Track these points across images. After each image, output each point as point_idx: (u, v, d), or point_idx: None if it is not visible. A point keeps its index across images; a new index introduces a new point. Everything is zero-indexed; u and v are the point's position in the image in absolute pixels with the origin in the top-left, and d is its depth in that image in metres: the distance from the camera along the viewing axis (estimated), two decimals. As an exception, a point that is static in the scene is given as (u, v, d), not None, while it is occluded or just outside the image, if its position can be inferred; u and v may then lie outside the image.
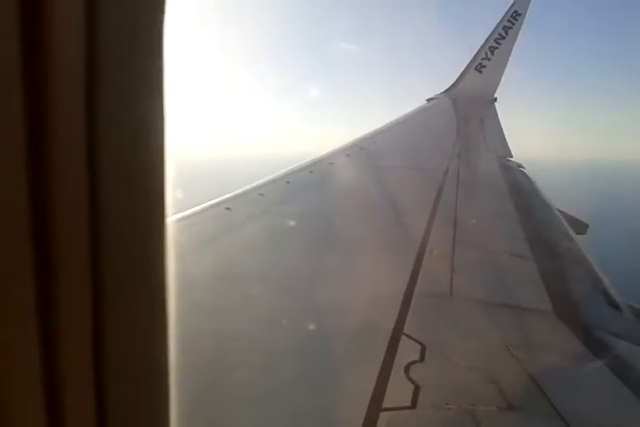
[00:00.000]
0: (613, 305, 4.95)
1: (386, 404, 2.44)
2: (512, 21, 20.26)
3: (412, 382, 2.66)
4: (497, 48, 20.36)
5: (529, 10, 20.45)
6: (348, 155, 9.75)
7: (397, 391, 2.56)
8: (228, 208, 5.52)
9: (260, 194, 6.34)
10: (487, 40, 20.55)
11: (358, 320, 3.34)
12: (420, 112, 17.18)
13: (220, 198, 5.91)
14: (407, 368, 2.79)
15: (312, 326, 3.27)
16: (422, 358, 2.94)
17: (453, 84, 20.51)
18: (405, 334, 3.18)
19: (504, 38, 20.36)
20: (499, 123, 18.44)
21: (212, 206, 5.63)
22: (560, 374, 3.14)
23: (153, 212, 0.74)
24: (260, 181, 7.01)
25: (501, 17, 20.46)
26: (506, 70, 20.83)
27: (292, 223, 5.63)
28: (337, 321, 3.40)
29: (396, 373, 2.73)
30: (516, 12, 20.23)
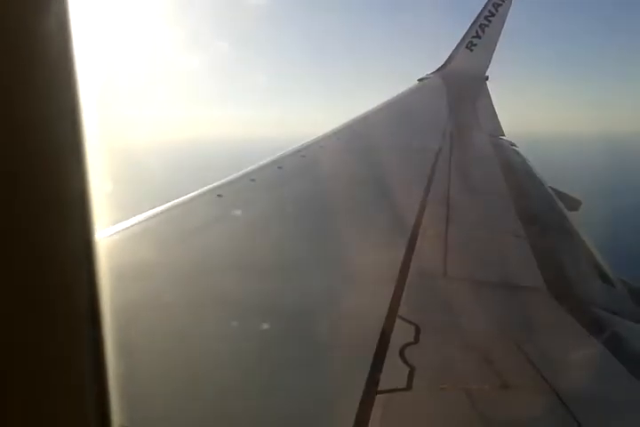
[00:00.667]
0: (607, 281, 4.98)
1: (381, 386, 2.45)
2: (501, -1, 20.10)
3: (407, 363, 2.67)
4: (487, 26, 20.20)
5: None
6: (339, 138, 9.71)
7: (393, 373, 2.57)
8: (219, 195, 5.49)
9: (252, 180, 6.31)
10: (477, 18, 20.39)
11: (352, 302, 3.34)
12: (411, 92, 17.09)
13: (211, 186, 5.86)
14: (402, 350, 2.79)
15: (303, 308, 3.29)
16: (417, 339, 2.95)
17: (444, 63, 20.37)
18: (400, 316, 3.18)
19: (494, 15, 20.20)
20: (490, 101, 18.36)
21: (203, 194, 5.59)
22: (554, 351, 3.15)
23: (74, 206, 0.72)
24: (251, 167, 6.96)
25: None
26: (497, 47, 20.71)
27: (285, 208, 5.61)
28: (330, 303, 3.41)
29: (391, 355, 2.74)
30: (506, -12, 20.06)
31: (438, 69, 20.20)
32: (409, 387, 2.48)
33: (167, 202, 5.25)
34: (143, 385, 2.25)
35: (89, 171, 0.74)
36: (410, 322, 3.12)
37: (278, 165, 7.15)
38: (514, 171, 9.48)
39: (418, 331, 3.03)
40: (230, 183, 6.17)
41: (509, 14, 20.33)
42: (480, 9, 20.50)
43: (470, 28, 20.43)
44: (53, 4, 0.67)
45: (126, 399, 0.90)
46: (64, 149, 0.71)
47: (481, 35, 20.18)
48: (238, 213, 5.18)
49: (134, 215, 4.74)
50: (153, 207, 5.03)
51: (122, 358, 0.91)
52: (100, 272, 0.78)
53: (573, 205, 9.30)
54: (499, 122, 15.75)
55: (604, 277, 5.02)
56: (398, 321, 3.12)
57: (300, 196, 6.14)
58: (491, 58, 20.58)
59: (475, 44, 20.19)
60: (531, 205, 7.33)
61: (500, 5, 20.07)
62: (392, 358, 2.71)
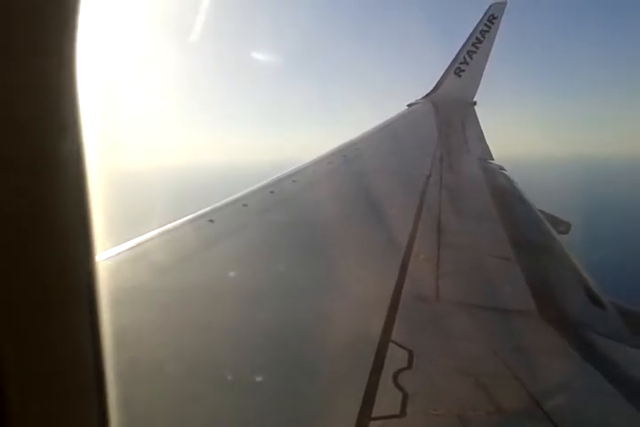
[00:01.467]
0: (597, 303, 5.01)
1: (375, 413, 2.44)
2: (489, 25, 20.53)
3: (401, 389, 2.67)
4: (475, 52, 20.60)
5: (505, 13, 20.75)
6: (329, 163, 9.78)
7: (386, 400, 2.56)
8: (211, 220, 5.50)
9: (244, 204, 6.33)
10: (465, 44, 20.80)
11: (345, 327, 3.34)
12: (401, 117, 17.29)
13: (203, 210, 5.87)
14: (395, 376, 2.79)
15: (295, 334, 3.28)
16: (410, 364, 2.95)
17: (433, 88, 20.71)
18: (393, 341, 3.18)
19: (481, 42, 20.61)
20: (479, 126, 18.61)
21: (195, 219, 5.59)
22: (547, 374, 3.16)
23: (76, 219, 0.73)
24: (243, 192, 6.98)
25: (478, 21, 20.73)
26: (484, 73, 21.08)
27: (277, 234, 5.63)
28: (323, 328, 3.40)
29: (385, 380, 2.73)
30: (492, 15, 20.51)
31: (427, 95, 20.52)
32: (403, 413, 2.47)
33: (160, 226, 5.25)
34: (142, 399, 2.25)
35: (90, 193, 0.75)
36: (403, 347, 3.12)
37: (270, 189, 7.19)
38: (503, 195, 9.57)
39: (411, 356, 3.02)
40: (222, 208, 6.18)
41: (496, 40, 20.78)
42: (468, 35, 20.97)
43: (458, 54, 20.85)
44: (59, 22, 0.69)
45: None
46: (66, 167, 0.72)
47: (469, 61, 20.57)
48: (230, 238, 5.19)
49: (126, 239, 4.74)
50: (144, 231, 5.03)
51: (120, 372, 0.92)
52: (100, 292, 0.79)
53: (563, 228, 9.37)
54: (487, 146, 15.94)
55: (594, 300, 5.04)
56: (391, 346, 3.12)
57: (292, 221, 6.16)
58: (478, 83, 20.95)
59: (463, 70, 20.58)
60: (520, 228, 7.39)
61: (487, 32, 20.51)
62: (385, 383, 2.70)
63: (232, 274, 4.35)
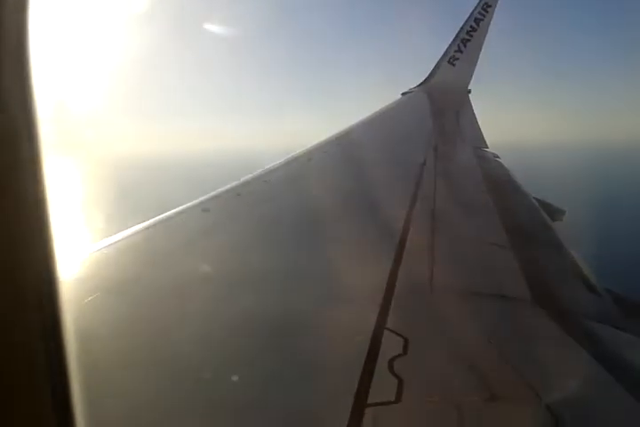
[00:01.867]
0: (592, 291, 5.02)
1: (370, 399, 2.44)
2: (483, 13, 20.43)
3: (396, 376, 2.66)
4: (469, 40, 20.52)
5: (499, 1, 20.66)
6: (325, 151, 9.75)
7: (382, 386, 2.56)
8: (205, 210, 5.47)
9: (238, 194, 6.30)
10: (459, 32, 20.70)
11: (340, 317, 3.33)
12: (395, 106, 17.25)
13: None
14: (391, 362, 2.78)
15: (291, 321, 3.27)
16: (405, 351, 2.94)
17: (427, 77, 20.64)
18: (388, 329, 3.17)
19: (475, 30, 20.52)
20: (473, 114, 18.60)
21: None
22: (542, 361, 3.15)
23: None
24: (237, 181, 6.94)
25: (472, 9, 20.63)
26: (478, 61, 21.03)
27: (272, 223, 5.60)
28: (318, 316, 3.39)
29: (380, 367, 2.72)
30: (486, 3, 20.41)
31: (422, 83, 20.45)
32: (398, 400, 2.47)
33: (155, 215, 5.21)
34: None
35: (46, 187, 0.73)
36: (398, 334, 3.11)
37: (264, 179, 7.15)
38: (498, 182, 9.57)
39: (406, 343, 3.02)
40: (216, 197, 6.15)
41: (490, 28, 20.70)
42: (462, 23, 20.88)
43: (452, 42, 20.75)
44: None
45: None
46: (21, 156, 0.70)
47: (462, 49, 20.49)
48: (224, 227, 5.16)
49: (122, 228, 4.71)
50: (141, 221, 4.99)
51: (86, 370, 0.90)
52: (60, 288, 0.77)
53: (557, 215, 9.39)
54: (482, 134, 15.93)
55: (589, 287, 5.05)
56: (386, 333, 3.11)
57: (287, 210, 6.14)
58: (473, 71, 20.89)
59: (457, 59, 20.50)
60: (515, 216, 7.39)
61: (481, 20, 20.42)
62: (381, 370, 2.70)
63: (226, 264, 4.33)
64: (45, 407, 0.76)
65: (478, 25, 20.47)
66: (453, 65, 20.57)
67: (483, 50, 20.79)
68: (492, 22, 20.54)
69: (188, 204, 5.76)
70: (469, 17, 20.53)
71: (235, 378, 2.60)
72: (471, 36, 20.48)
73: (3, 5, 0.66)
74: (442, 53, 20.91)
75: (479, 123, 17.55)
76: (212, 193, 6.30)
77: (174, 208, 5.56)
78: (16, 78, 0.68)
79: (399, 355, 2.88)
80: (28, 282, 0.73)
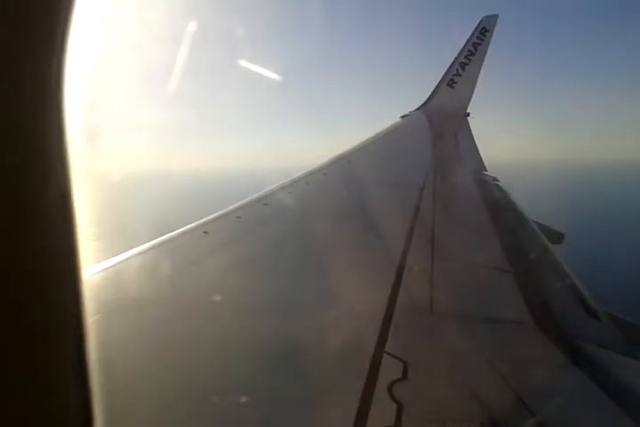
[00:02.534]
0: (592, 314, 5.00)
1: (370, 424, 2.42)
2: (481, 37, 20.77)
3: (396, 400, 2.65)
4: (467, 64, 20.82)
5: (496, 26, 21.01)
6: (325, 174, 9.79)
7: (381, 411, 2.54)
8: (205, 232, 5.47)
9: (238, 217, 6.31)
10: (458, 56, 21.01)
11: (339, 339, 3.32)
12: (393, 129, 17.37)
13: (197, 222, 5.80)
14: (390, 387, 2.77)
15: (290, 345, 3.26)
16: (405, 376, 2.93)
17: (426, 100, 20.86)
18: (387, 352, 3.17)
19: (474, 54, 20.84)
20: (472, 137, 18.74)
21: (189, 231, 5.52)
22: (543, 386, 3.14)
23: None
24: (237, 204, 6.96)
25: (470, 33, 20.98)
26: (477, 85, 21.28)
27: (271, 247, 5.60)
28: (317, 340, 3.38)
29: (379, 392, 2.71)
30: (484, 28, 20.76)
31: (421, 106, 20.66)
32: (397, 425, 2.46)
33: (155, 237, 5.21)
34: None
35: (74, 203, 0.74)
36: (398, 358, 3.10)
37: (264, 202, 7.17)
38: (497, 206, 9.60)
39: (406, 367, 3.01)
40: (216, 220, 6.16)
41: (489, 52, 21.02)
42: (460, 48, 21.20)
43: (451, 66, 21.05)
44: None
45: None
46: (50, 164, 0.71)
47: (461, 73, 20.77)
48: (224, 250, 5.16)
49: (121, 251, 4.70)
50: (140, 243, 4.98)
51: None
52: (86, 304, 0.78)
53: (556, 238, 9.40)
54: (480, 157, 16.03)
55: (589, 311, 5.04)
56: (386, 357, 3.10)
57: (286, 233, 6.15)
58: (471, 95, 21.14)
59: (455, 82, 20.77)
60: (515, 239, 7.40)
61: (479, 45, 20.75)
62: (380, 395, 2.68)
63: (225, 287, 4.33)
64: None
65: (476, 49, 20.81)
66: (452, 88, 20.84)
67: (482, 72, 21.10)
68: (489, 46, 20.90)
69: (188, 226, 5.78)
70: (467, 41, 20.88)
71: (234, 401, 2.59)
72: (469, 59, 20.80)
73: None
74: (441, 76, 21.24)
75: (477, 145, 17.68)
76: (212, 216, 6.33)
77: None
78: (50, 79, 0.69)
79: (399, 379, 2.87)
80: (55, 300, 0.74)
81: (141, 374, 2.78)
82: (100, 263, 4.23)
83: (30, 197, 0.69)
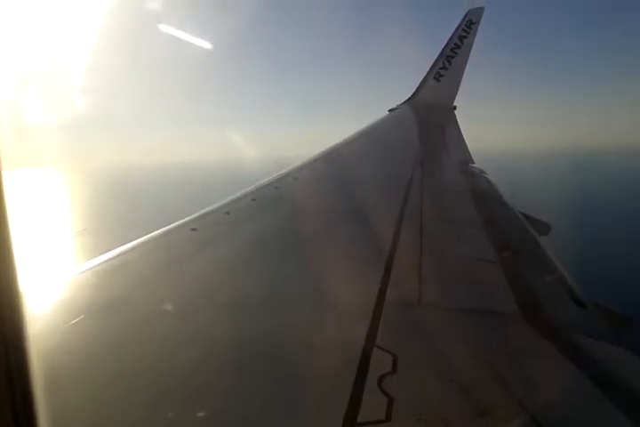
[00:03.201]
0: (579, 304, 5.05)
1: (360, 418, 2.44)
2: (467, 30, 20.79)
3: (386, 394, 2.66)
4: (454, 57, 20.83)
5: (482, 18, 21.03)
6: (312, 169, 9.80)
7: (371, 404, 2.56)
8: (193, 229, 5.47)
9: (226, 213, 6.31)
10: (444, 49, 21.02)
11: (329, 333, 3.33)
12: (381, 123, 17.39)
13: (185, 220, 5.83)
14: (380, 380, 2.78)
15: (280, 340, 3.27)
16: (395, 369, 2.94)
17: (413, 93, 20.88)
18: (377, 346, 3.18)
19: (460, 47, 20.86)
20: (459, 130, 18.79)
21: (177, 228, 5.55)
22: (531, 377, 3.17)
23: None
24: (225, 200, 6.96)
25: (457, 26, 20.98)
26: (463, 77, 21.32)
27: (260, 242, 5.60)
28: (307, 334, 3.39)
29: (370, 385, 2.72)
30: (470, 21, 20.78)
31: (408, 100, 20.68)
32: (388, 418, 2.47)
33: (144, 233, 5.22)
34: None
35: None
36: (387, 352, 3.12)
37: (252, 197, 7.17)
38: (484, 198, 9.65)
39: (395, 360, 3.02)
40: (205, 216, 6.16)
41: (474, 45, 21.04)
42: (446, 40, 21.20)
43: (437, 59, 21.05)
44: None
45: None
46: None
47: (447, 66, 20.79)
48: (212, 247, 5.16)
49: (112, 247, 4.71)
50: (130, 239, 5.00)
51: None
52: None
53: (543, 229, 9.47)
54: (467, 150, 16.08)
55: (576, 301, 5.09)
56: (376, 351, 3.12)
57: (275, 229, 6.15)
58: (458, 88, 21.17)
59: (442, 75, 20.79)
60: (502, 231, 7.45)
61: (465, 37, 20.77)
62: (370, 388, 2.70)
63: (213, 281, 4.33)
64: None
65: (462, 42, 20.82)
66: (439, 81, 20.85)
67: (468, 66, 21.12)
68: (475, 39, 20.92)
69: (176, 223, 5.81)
70: (454, 34, 20.88)
71: (223, 397, 2.60)
72: (456, 52, 20.81)
73: None
74: (427, 69, 21.23)
75: (465, 138, 17.73)
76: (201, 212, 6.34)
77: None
78: None
79: (388, 373, 2.88)
80: None
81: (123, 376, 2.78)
82: (84, 263, 4.22)
83: None
